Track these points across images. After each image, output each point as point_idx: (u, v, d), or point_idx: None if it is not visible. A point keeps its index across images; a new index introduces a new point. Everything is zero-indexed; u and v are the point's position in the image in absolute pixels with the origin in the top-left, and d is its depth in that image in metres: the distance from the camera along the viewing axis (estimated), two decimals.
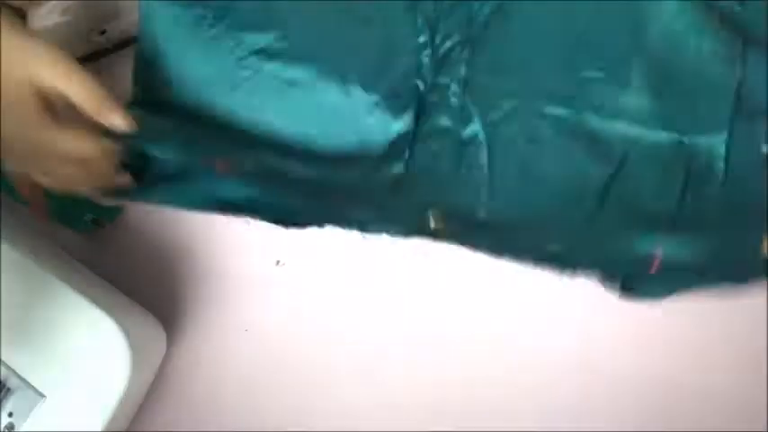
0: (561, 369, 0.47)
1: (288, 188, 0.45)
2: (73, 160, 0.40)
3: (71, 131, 0.39)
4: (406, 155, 0.46)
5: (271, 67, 0.47)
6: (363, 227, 0.46)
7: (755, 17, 0.44)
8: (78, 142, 0.39)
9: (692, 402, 0.46)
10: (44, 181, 0.42)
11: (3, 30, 0.38)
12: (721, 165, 0.43)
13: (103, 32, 0.56)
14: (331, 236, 0.49)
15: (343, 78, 0.46)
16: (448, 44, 0.46)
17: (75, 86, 0.39)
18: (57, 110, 0.39)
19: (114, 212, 0.52)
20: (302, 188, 0.45)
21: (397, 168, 0.46)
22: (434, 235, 0.44)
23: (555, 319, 0.48)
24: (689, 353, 0.46)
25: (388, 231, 0.46)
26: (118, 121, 0.40)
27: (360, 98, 0.46)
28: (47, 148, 0.39)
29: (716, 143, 0.43)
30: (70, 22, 0.57)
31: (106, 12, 0.57)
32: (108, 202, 0.52)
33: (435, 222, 0.45)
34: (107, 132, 0.40)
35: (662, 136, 0.44)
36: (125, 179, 0.44)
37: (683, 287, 0.42)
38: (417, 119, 0.46)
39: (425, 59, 0.46)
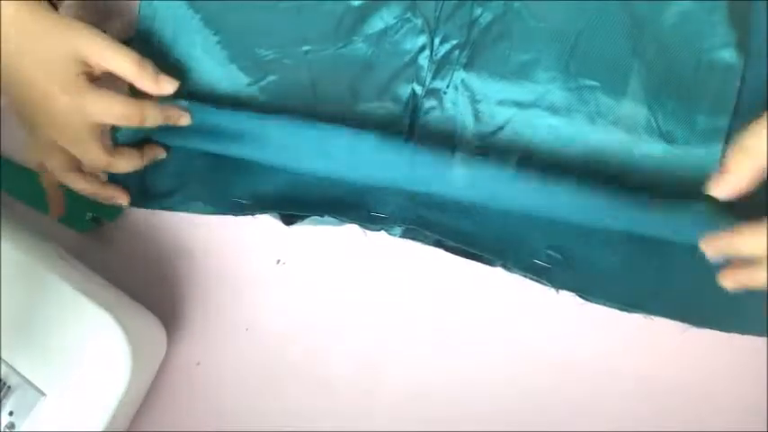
0: (561, 369, 0.47)
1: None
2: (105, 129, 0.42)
3: (111, 94, 0.41)
4: None
5: (273, 77, 0.47)
6: (361, 221, 0.47)
7: (761, 24, 0.43)
8: (118, 103, 0.41)
9: (692, 402, 0.46)
10: (65, 155, 0.43)
11: (42, 10, 0.41)
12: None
13: (103, 32, 0.56)
14: (331, 236, 0.49)
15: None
16: (446, 47, 0.46)
17: (119, 58, 0.41)
18: (98, 81, 0.42)
19: (115, 212, 0.52)
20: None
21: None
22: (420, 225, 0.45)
23: (555, 319, 0.48)
24: (689, 353, 0.46)
25: (385, 228, 0.46)
26: (163, 85, 0.43)
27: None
28: (85, 110, 0.41)
29: (713, 154, 0.43)
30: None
31: (106, 12, 0.57)
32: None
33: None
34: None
35: (656, 147, 0.43)
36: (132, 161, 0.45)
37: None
38: (412, 124, 0.46)
39: (423, 62, 0.46)
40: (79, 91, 0.40)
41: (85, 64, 0.41)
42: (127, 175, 0.46)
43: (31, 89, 0.41)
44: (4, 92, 0.43)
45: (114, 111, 0.41)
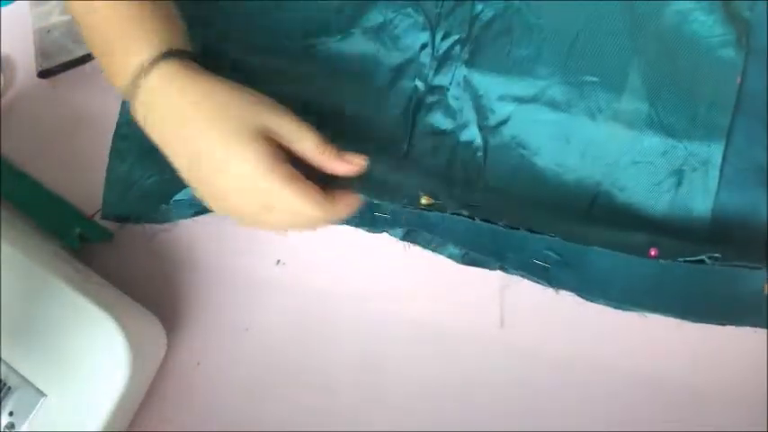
0: (560, 369, 0.47)
1: None
2: (292, 217, 0.39)
3: (300, 187, 0.38)
4: (405, 148, 0.47)
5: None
6: (364, 224, 0.47)
7: (761, 23, 0.43)
8: (305, 202, 0.38)
9: (691, 402, 0.46)
10: (249, 226, 0.41)
11: (213, 81, 0.39)
12: (716, 173, 0.43)
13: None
14: (331, 236, 0.49)
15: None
16: (448, 43, 0.46)
17: (296, 132, 0.38)
18: (286, 161, 0.38)
19: (102, 234, 0.52)
20: None
21: (395, 157, 0.46)
22: (426, 208, 0.44)
23: (555, 318, 0.47)
24: (688, 352, 0.46)
25: (384, 204, 0.46)
26: (343, 167, 0.40)
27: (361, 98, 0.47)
28: (271, 199, 0.38)
29: (713, 150, 0.43)
30: (70, 21, 0.57)
31: None
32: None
33: (426, 200, 0.44)
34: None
35: (656, 141, 0.43)
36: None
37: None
38: (414, 119, 0.46)
39: (425, 59, 0.46)
40: (270, 176, 0.37)
41: (271, 140, 0.38)
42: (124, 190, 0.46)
43: (210, 167, 0.38)
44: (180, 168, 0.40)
45: (301, 215, 0.38)
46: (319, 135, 0.39)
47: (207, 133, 0.37)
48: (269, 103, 0.39)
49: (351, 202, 0.41)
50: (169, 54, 0.39)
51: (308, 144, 0.39)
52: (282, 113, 0.39)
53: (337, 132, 0.46)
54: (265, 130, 0.38)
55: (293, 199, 0.38)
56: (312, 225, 0.40)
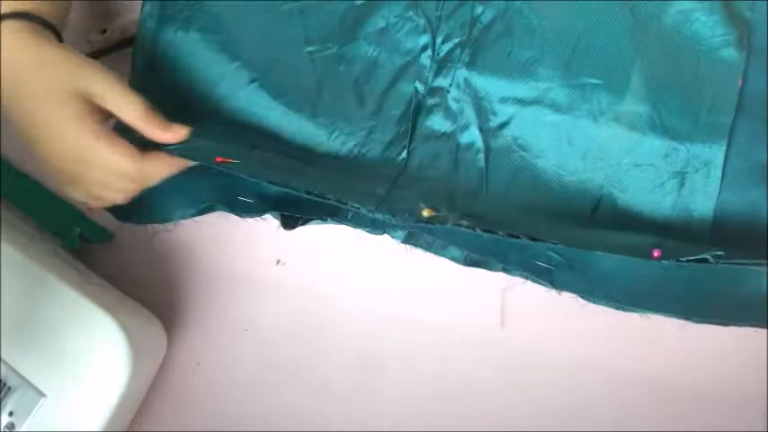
0: (561, 369, 0.47)
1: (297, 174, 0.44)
2: (107, 173, 0.40)
3: (112, 143, 0.39)
4: (404, 154, 0.46)
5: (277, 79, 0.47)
6: (364, 225, 0.46)
7: (761, 23, 0.43)
8: (117, 156, 0.39)
9: (691, 402, 0.46)
10: (72, 191, 0.42)
11: (50, 43, 0.40)
12: (718, 174, 0.43)
13: (104, 32, 0.56)
14: (331, 236, 0.49)
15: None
16: (448, 46, 0.46)
17: (124, 104, 0.40)
18: (101, 122, 0.40)
19: (102, 234, 0.52)
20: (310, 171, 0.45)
21: (395, 167, 0.46)
22: (428, 222, 0.44)
23: (555, 319, 0.48)
24: (688, 353, 0.46)
25: (386, 218, 0.46)
26: (175, 132, 0.41)
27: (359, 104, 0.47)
28: (85, 154, 0.39)
29: (715, 151, 0.43)
30: (70, 21, 0.57)
31: (106, 11, 0.57)
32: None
33: (427, 213, 0.44)
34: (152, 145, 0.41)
35: (658, 144, 0.43)
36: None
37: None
38: (414, 121, 0.46)
39: (426, 61, 0.46)
40: (82, 133, 0.39)
41: (90, 102, 0.39)
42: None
43: (33, 119, 0.39)
44: (5, 117, 0.42)
45: (113, 168, 0.40)
46: (145, 102, 0.40)
47: (29, 91, 0.39)
48: (98, 70, 0.40)
49: (167, 161, 0.42)
50: (19, 15, 0.40)
51: (132, 111, 0.40)
52: (109, 81, 0.40)
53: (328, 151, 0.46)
54: (86, 94, 0.39)
55: (104, 152, 0.39)
56: (130, 182, 0.41)
